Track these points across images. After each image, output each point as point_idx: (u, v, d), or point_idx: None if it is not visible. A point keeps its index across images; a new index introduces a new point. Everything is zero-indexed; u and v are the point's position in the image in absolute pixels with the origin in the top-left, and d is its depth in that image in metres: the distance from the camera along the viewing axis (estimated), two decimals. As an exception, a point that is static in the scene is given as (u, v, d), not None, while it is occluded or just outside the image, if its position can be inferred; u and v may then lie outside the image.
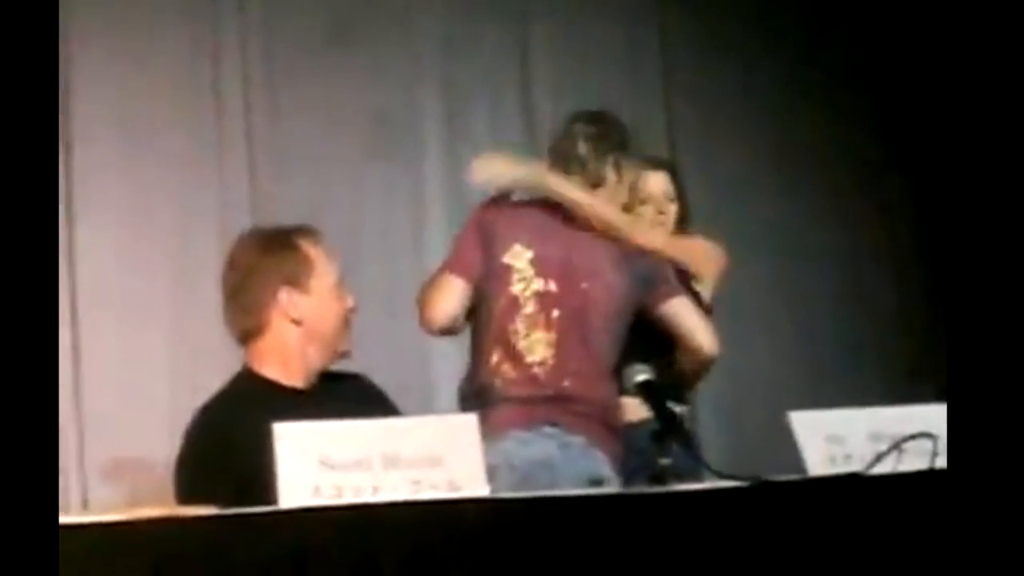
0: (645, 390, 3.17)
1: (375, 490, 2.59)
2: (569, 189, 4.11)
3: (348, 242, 5.40)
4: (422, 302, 4.10)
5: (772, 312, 5.89)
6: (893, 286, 6.05)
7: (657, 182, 4.40)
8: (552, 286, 4.05)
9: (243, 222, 4.95)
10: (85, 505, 4.86)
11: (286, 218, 5.27)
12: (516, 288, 4.05)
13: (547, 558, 2.56)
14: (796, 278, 5.97)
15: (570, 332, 4.01)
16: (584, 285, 4.06)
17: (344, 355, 3.48)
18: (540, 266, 4.06)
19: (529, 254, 4.07)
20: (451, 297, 4.08)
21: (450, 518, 2.54)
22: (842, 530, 2.73)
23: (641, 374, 3.22)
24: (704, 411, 5.45)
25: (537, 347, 4.02)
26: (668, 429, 3.03)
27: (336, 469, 2.59)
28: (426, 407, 4.83)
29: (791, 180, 6.04)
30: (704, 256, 4.32)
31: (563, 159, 4.19)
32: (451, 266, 4.13)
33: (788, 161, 6.06)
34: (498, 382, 4.02)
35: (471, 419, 2.72)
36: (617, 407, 3.98)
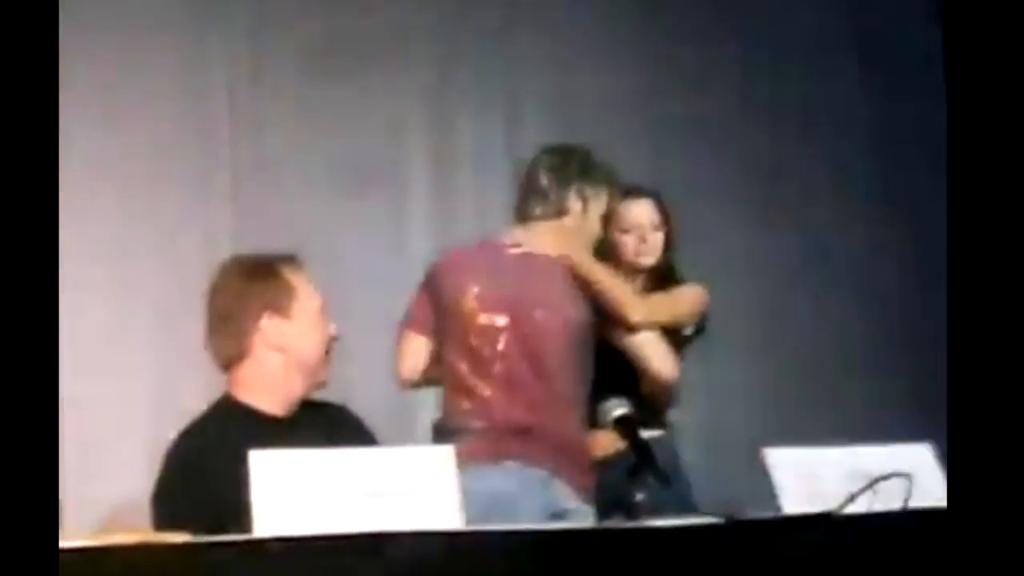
0: (621, 425, 3.18)
1: (350, 520, 2.58)
2: (588, 261, 4.14)
3: (330, 274, 5.43)
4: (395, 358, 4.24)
5: (752, 344, 5.90)
6: (876, 322, 6.06)
7: (640, 210, 4.41)
8: (499, 320, 4.08)
9: (226, 252, 4.97)
10: (60, 530, 4.84)
11: (269, 249, 5.33)
12: (462, 325, 4.10)
13: (521, 591, 2.57)
14: (777, 311, 5.99)
15: (520, 364, 4.04)
16: (538, 315, 4.08)
17: (321, 385, 3.48)
18: (485, 301, 4.10)
19: (475, 290, 4.12)
20: (412, 353, 4.23)
21: (425, 550, 2.54)
22: (815, 569, 2.74)
23: (617, 408, 3.23)
24: (682, 443, 5.46)
25: (485, 381, 4.05)
26: (643, 464, 3.04)
27: (310, 499, 2.59)
28: (405, 440, 4.83)
29: (776, 210, 6.06)
30: (691, 308, 4.33)
31: (527, 192, 4.24)
32: (408, 324, 4.27)
33: (774, 191, 6.08)
34: (456, 416, 4.07)
35: (448, 450, 2.72)
36: (582, 439, 3.99)
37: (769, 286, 6.01)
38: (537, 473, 3.91)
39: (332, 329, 3.46)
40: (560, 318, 4.07)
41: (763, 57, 6.12)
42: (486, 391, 4.04)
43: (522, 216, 4.26)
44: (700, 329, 4.36)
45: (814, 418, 5.51)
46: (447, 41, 5.81)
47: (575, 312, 4.09)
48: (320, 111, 5.56)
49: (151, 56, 5.39)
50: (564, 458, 3.96)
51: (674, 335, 4.25)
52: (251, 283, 3.44)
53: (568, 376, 4.05)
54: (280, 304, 3.41)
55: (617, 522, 3.06)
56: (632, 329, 4.12)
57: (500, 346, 4.06)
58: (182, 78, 5.43)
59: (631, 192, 4.40)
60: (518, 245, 4.18)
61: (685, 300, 4.32)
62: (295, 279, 3.45)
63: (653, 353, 4.12)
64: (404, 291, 5.26)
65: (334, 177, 5.57)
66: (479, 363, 4.07)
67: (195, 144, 5.42)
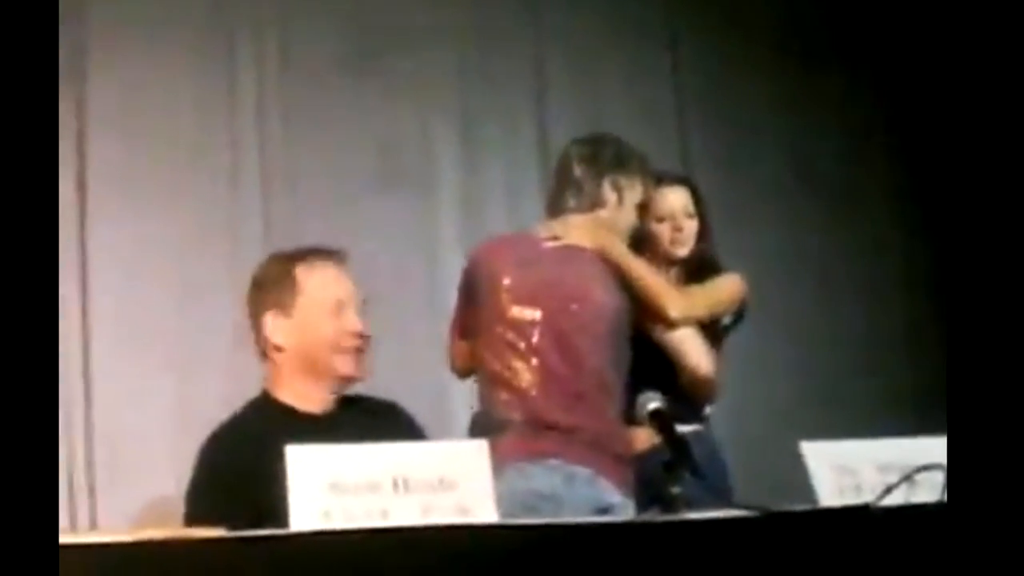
0: (656, 419, 3.17)
1: (385, 514, 2.58)
2: (626, 255, 4.12)
3: (360, 272, 5.44)
4: None
5: (786, 339, 5.88)
6: (908, 316, 6.04)
7: (676, 198, 4.36)
8: (532, 313, 4.06)
9: (255, 249, 4.99)
10: (94, 525, 4.86)
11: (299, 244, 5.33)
12: (496, 317, 4.08)
13: (556, 585, 2.56)
14: (811, 306, 5.97)
15: (554, 357, 4.02)
16: (574, 307, 4.05)
17: (349, 380, 3.46)
18: (518, 294, 4.07)
19: (507, 282, 4.09)
20: (458, 356, 4.29)
21: (460, 544, 2.53)
22: (851, 561, 2.72)
23: (652, 402, 3.21)
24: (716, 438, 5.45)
25: (521, 374, 4.02)
26: (679, 458, 3.03)
27: (346, 493, 2.59)
28: (444, 436, 4.84)
29: (807, 207, 6.04)
30: (729, 299, 4.30)
31: (561, 183, 4.22)
32: (452, 328, 4.29)
33: (804, 188, 6.06)
34: (495, 409, 4.04)
35: (482, 444, 2.71)
36: (623, 433, 3.96)
37: (806, 276, 5.99)
38: (580, 470, 3.89)
39: (354, 324, 3.44)
40: (596, 311, 4.04)
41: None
42: (523, 383, 4.01)
43: (556, 208, 4.23)
44: (739, 318, 4.33)
45: (847, 413, 5.49)
46: (475, 33, 5.81)
47: (612, 305, 4.06)
48: (348, 106, 5.56)
49: (182, 58, 5.39)
50: (604, 454, 3.94)
51: (713, 326, 4.23)
52: (261, 281, 3.48)
53: (605, 370, 4.02)
54: (283, 302, 3.42)
55: (654, 515, 3.05)
56: (671, 325, 4.10)
57: (535, 339, 4.04)
58: (209, 75, 5.43)
59: (664, 180, 4.35)
60: (556, 238, 4.15)
61: (723, 291, 4.28)
62: (305, 275, 3.44)
63: (691, 349, 4.11)
64: (436, 284, 5.29)
65: (365, 177, 5.57)
66: (515, 356, 4.04)
67: (223, 140, 5.42)
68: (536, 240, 4.18)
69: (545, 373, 4.01)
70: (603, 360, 4.03)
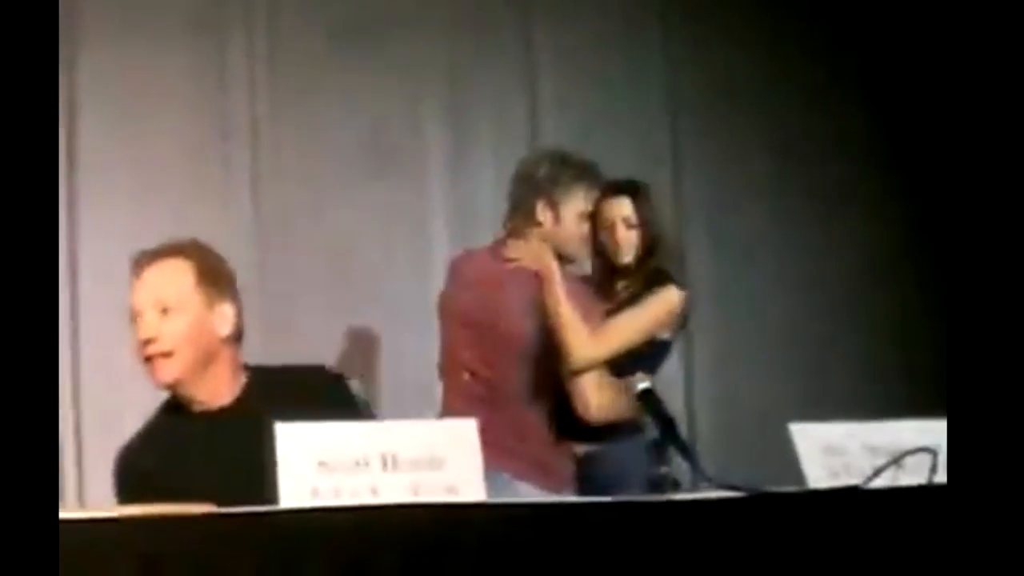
0: (644, 398, 3.17)
1: (374, 492, 2.58)
2: (551, 283, 4.15)
3: (349, 258, 5.44)
4: None
5: (772, 321, 5.89)
6: (898, 298, 6.04)
7: (617, 207, 4.30)
8: (468, 330, 4.24)
9: (247, 239, 5.00)
10: (81, 501, 4.87)
11: (291, 238, 5.34)
12: (445, 328, 4.32)
13: (544, 564, 2.56)
14: (797, 287, 5.97)
15: (483, 375, 4.18)
16: (501, 327, 4.19)
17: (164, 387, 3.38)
18: (462, 309, 4.26)
19: (459, 296, 4.29)
20: None
21: (448, 522, 2.54)
22: (839, 543, 2.73)
23: (641, 383, 3.22)
24: (702, 422, 5.45)
25: (460, 386, 4.23)
26: (667, 437, 3.03)
27: (335, 470, 2.59)
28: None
29: (795, 183, 6.05)
30: (654, 323, 4.25)
31: (509, 205, 4.32)
32: None
33: (794, 160, 6.07)
34: (448, 414, 4.19)
35: (470, 424, 2.72)
36: (548, 449, 4.12)
37: (791, 259, 6.00)
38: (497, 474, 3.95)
39: (142, 333, 3.28)
40: (518, 333, 4.16)
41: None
42: (460, 396, 4.19)
43: (508, 229, 4.34)
44: (679, 330, 4.35)
45: (837, 392, 5.50)
46: (465, 16, 5.80)
47: (534, 330, 4.17)
48: (338, 87, 5.55)
49: (173, 46, 5.38)
50: (537, 470, 4.05)
51: (650, 346, 4.22)
52: None
53: (526, 391, 4.14)
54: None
55: (642, 495, 3.05)
56: (570, 370, 4.12)
57: (467, 355, 4.21)
58: (199, 56, 5.42)
59: (609, 189, 4.32)
60: (511, 260, 4.25)
61: (649, 314, 4.22)
62: (134, 282, 3.34)
63: (584, 391, 4.12)
64: (425, 267, 5.28)
65: (353, 163, 5.56)
66: (458, 368, 4.22)
67: (213, 123, 5.41)
68: (500, 258, 4.27)
69: (474, 388, 4.18)
70: (523, 383, 4.15)
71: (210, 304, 3.30)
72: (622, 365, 4.09)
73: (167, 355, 3.27)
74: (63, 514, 2.40)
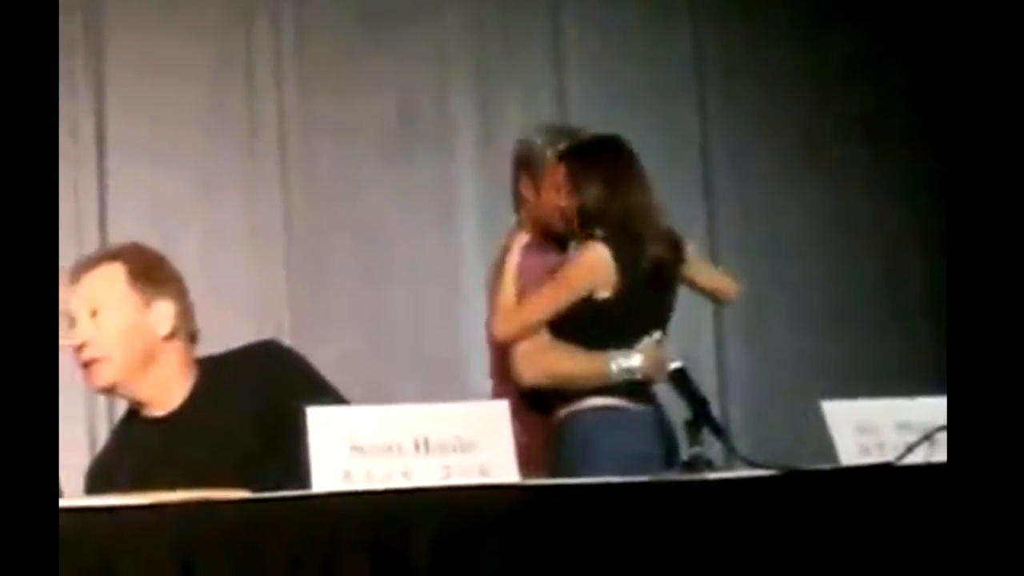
0: (676, 377, 3.16)
1: (406, 475, 2.59)
2: (508, 263, 4.15)
3: (378, 236, 5.44)
4: None
5: (803, 297, 5.87)
6: (928, 276, 6.02)
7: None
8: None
9: (276, 217, 5.01)
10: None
11: (318, 217, 5.34)
12: None
13: (577, 544, 2.56)
14: (827, 267, 5.96)
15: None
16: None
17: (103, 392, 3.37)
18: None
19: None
20: None
21: (480, 503, 2.54)
22: (872, 520, 2.73)
23: (673, 363, 3.21)
24: (734, 400, 5.44)
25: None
26: (700, 417, 3.03)
27: (368, 454, 2.59)
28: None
29: (829, 173, 6.03)
30: (570, 291, 4.12)
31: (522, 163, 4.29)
32: None
33: (825, 157, 6.05)
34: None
35: (503, 405, 2.72)
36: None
37: (821, 235, 5.98)
38: None
39: (72, 339, 3.21)
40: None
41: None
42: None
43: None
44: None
45: (866, 374, 5.49)
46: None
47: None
48: (367, 66, 5.55)
49: (194, 17, 5.38)
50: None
51: (586, 304, 4.07)
52: None
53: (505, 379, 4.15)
54: None
55: (675, 475, 3.05)
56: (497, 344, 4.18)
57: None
58: (227, 36, 5.42)
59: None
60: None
61: (566, 278, 4.09)
62: (71, 289, 3.26)
63: (515, 361, 4.09)
64: (452, 246, 5.28)
65: (382, 139, 5.56)
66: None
67: (240, 101, 5.41)
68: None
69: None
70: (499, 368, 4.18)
71: (146, 303, 3.23)
72: (560, 327, 4.07)
73: (101, 360, 3.21)
74: (95, 502, 2.40)
